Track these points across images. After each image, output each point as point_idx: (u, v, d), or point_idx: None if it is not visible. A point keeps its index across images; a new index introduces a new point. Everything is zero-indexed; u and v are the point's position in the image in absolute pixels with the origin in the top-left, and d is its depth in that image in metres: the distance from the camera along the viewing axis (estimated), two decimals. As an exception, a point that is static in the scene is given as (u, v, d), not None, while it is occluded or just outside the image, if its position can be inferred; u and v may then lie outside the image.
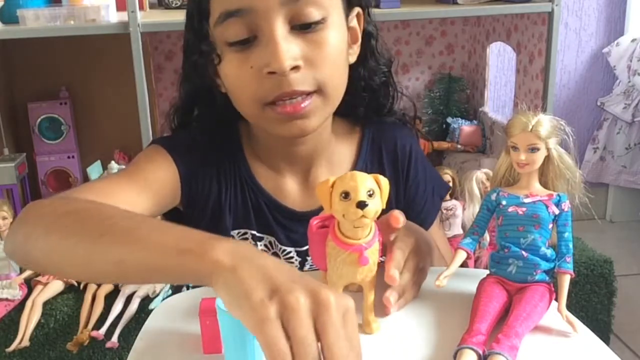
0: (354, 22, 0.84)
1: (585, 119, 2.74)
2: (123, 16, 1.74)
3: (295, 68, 0.74)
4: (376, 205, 0.60)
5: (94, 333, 1.59)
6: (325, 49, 0.76)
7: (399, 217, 0.67)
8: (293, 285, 0.48)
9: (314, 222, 0.68)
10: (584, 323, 0.66)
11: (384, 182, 0.61)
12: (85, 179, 2.20)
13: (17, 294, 1.65)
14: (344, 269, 0.63)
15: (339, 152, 0.93)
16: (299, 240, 0.90)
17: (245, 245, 0.54)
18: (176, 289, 1.01)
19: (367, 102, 0.92)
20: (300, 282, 0.49)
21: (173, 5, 2.07)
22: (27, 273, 1.70)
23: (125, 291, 1.64)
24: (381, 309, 0.68)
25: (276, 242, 0.90)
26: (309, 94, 0.77)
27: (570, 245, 0.66)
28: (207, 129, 0.91)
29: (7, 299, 1.64)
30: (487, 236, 0.72)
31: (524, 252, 0.66)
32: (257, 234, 0.90)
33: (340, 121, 0.93)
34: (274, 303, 0.47)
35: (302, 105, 0.76)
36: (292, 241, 0.90)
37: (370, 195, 0.59)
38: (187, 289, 1.06)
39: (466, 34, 2.63)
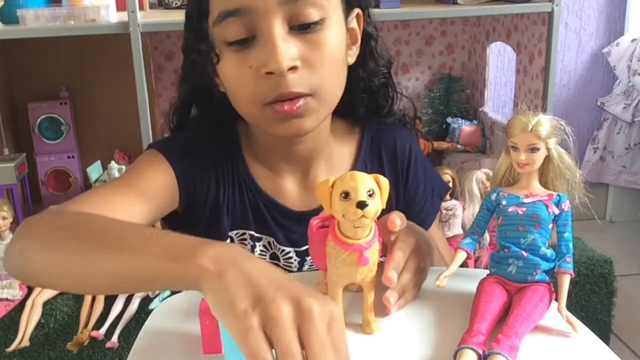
0: (353, 23, 0.83)
1: (585, 119, 2.74)
2: (123, 16, 1.74)
3: (293, 68, 0.74)
4: (376, 205, 0.60)
5: (94, 333, 1.59)
6: (324, 50, 0.76)
7: (395, 221, 0.67)
8: (276, 294, 0.48)
9: (314, 222, 0.68)
10: (584, 323, 0.66)
11: (384, 182, 0.61)
12: (85, 179, 2.20)
13: (17, 294, 1.65)
14: (344, 269, 0.63)
15: (338, 152, 0.93)
16: (297, 240, 0.90)
17: (232, 249, 0.54)
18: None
19: (366, 103, 0.92)
20: (285, 289, 0.48)
21: (173, 5, 2.07)
22: (27, 273, 1.69)
23: (125, 291, 1.64)
24: (381, 309, 0.68)
25: (275, 243, 0.90)
26: (305, 96, 0.77)
27: (570, 245, 0.66)
28: (205, 129, 0.91)
29: (7, 299, 1.64)
30: (487, 236, 0.72)
31: (524, 252, 0.66)
32: (256, 235, 0.90)
33: (340, 121, 0.93)
34: (256, 313, 0.47)
35: (297, 105, 0.76)
36: (291, 241, 0.90)
37: (370, 195, 0.59)
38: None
39: (466, 34, 2.63)
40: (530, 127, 0.65)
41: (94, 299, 1.65)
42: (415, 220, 0.81)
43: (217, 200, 0.88)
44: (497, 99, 2.65)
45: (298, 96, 0.76)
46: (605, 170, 2.71)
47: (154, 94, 2.25)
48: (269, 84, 0.75)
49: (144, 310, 1.63)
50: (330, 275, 0.64)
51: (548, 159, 0.67)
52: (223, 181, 0.89)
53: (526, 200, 0.67)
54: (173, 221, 0.91)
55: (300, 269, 0.91)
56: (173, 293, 0.93)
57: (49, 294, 1.66)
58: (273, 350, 0.47)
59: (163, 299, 0.75)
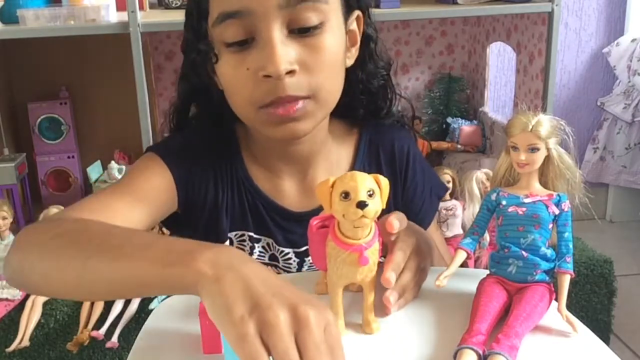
0: (353, 25, 0.83)
1: (585, 119, 2.74)
2: (123, 16, 1.75)
3: (291, 72, 0.74)
4: (376, 205, 0.60)
5: (94, 333, 1.59)
6: (322, 54, 0.76)
7: (393, 223, 0.67)
8: (273, 300, 0.48)
9: (314, 222, 0.68)
10: (584, 323, 0.66)
11: (384, 182, 0.61)
12: (85, 179, 2.20)
13: (17, 294, 1.65)
14: (344, 269, 0.63)
15: (337, 153, 0.93)
16: (297, 241, 0.90)
17: (230, 253, 0.54)
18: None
19: (365, 104, 0.92)
20: (282, 296, 0.49)
21: (173, 5, 2.07)
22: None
23: (125, 291, 1.64)
24: (381, 309, 0.68)
25: (274, 244, 0.90)
26: (302, 99, 0.77)
27: (570, 245, 0.66)
28: (204, 129, 0.91)
29: (7, 299, 1.64)
30: (487, 236, 0.72)
31: (524, 252, 0.66)
32: (255, 236, 0.90)
33: (338, 122, 0.93)
34: (253, 319, 0.47)
35: (295, 108, 0.76)
36: (290, 242, 0.90)
37: (370, 195, 0.59)
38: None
39: (466, 34, 2.63)
40: (530, 127, 0.65)
41: (94, 299, 1.65)
42: (414, 220, 0.81)
43: (216, 202, 0.88)
44: (497, 99, 2.65)
45: (295, 99, 0.76)
46: (605, 170, 2.71)
47: (154, 94, 2.26)
48: (266, 87, 0.75)
49: (144, 310, 1.63)
50: (330, 275, 0.64)
51: (548, 159, 0.67)
52: (222, 182, 0.89)
53: (526, 200, 0.67)
54: (172, 223, 0.90)
55: (299, 270, 0.91)
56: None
57: (49, 294, 1.66)
58: (270, 358, 0.47)
59: (163, 299, 0.75)
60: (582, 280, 1.84)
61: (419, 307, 0.70)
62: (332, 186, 0.61)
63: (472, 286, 0.69)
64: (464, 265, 0.69)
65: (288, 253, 0.91)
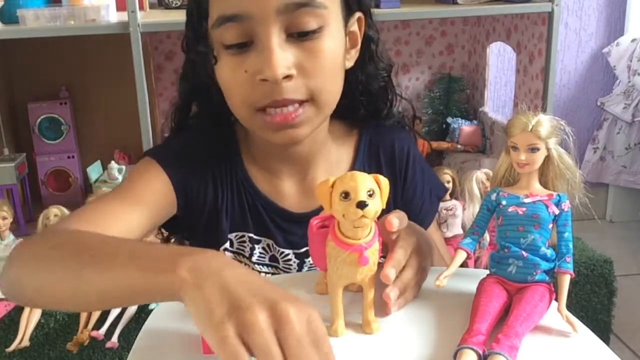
0: (354, 27, 0.83)
1: (585, 119, 2.74)
2: (123, 16, 1.75)
3: (288, 77, 0.74)
4: (376, 205, 0.60)
5: (94, 333, 1.59)
6: (321, 59, 0.76)
7: (392, 222, 0.67)
8: (252, 301, 0.48)
9: (314, 222, 0.68)
10: (584, 323, 0.66)
11: (384, 182, 0.61)
12: (85, 179, 2.21)
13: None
14: (344, 269, 0.63)
15: (337, 154, 0.93)
16: (297, 242, 0.90)
17: (211, 258, 0.54)
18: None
19: (365, 106, 0.92)
20: (261, 295, 0.49)
21: (173, 5, 2.07)
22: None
23: (125, 291, 1.64)
24: (381, 309, 0.68)
25: (274, 245, 0.90)
26: (300, 102, 0.77)
27: (570, 245, 0.66)
28: (204, 129, 0.91)
29: (7, 299, 1.64)
30: (487, 236, 0.72)
31: (524, 252, 0.66)
32: (255, 237, 0.90)
33: (338, 123, 0.93)
34: (232, 321, 0.47)
35: (293, 115, 0.77)
36: (290, 243, 0.90)
37: (370, 195, 0.59)
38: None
39: (466, 34, 2.63)
40: (530, 127, 0.65)
41: (94, 299, 1.64)
42: (414, 221, 0.81)
43: (216, 204, 0.88)
44: (497, 99, 2.65)
45: (292, 102, 0.76)
46: (605, 170, 2.71)
47: (154, 94, 2.26)
48: (263, 90, 0.75)
49: (144, 310, 1.63)
50: (330, 275, 0.64)
51: (548, 159, 0.67)
52: (221, 184, 0.89)
53: (526, 200, 0.67)
54: (172, 226, 0.91)
55: (299, 271, 0.91)
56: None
57: (49, 294, 1.66)
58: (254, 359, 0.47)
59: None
60: (582, 280, 1.84)
61: (419, 307, 0.70)
62: (332, 186, 0.61)
63: (472, 286, 0.69)
64: (464, 265, 0.69)
65: (288, 254, 0.91)
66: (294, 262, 0.91)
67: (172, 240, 0.98)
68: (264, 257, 0.91)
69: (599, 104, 2.65)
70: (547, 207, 0.66)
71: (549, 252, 0.66)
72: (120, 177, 2.13)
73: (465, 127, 2.43)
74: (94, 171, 2.18)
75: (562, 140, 0.68)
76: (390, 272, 0.66)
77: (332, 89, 0.80)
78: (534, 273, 0.66)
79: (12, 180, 1.96)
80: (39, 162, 2.23)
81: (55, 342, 1.63)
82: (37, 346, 1.63)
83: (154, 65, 2.38)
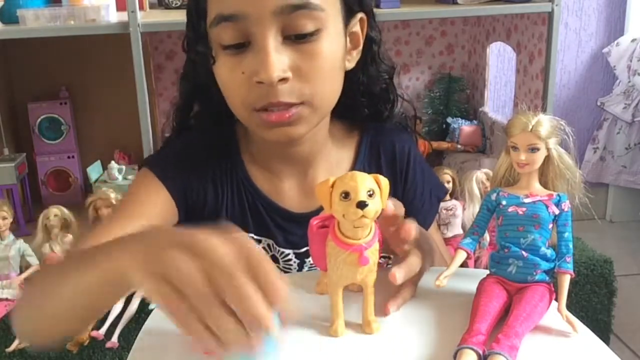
0: (356, 28, 0.83)
1: (585, 119, 2.74)
2: (123, 16, 1.75)
3: (284, 80, 0.74)
4: (376, 205, 0.60)
5: (94, 333, 1.59)
6: (317, 61, 0.76)
7: (410, 231, 0.66)
8: (167, 251, 0.48)
9: (314, 222, 0.68)
10: (584, 323, 0.66)
11: (384, 181, 0.61)
12: (85, 179, 2.20)
13: (17, 294, 1.65)
14: (344, 269, 0.63)
15: (337, 154, 0.93)
16: (297, 242, 0.90)
17: (139, 234, 0.54)
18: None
19: (366, 107, 0.91)
20: (176, 242, 0.48)
21: (173, 5, 2.07)
22: (27, 273, 1.70)
23: (125, 291, 1.64)
24: (381, 309, 0.68)
25: (274, 245, 0.90)
26: (294, 105, 0.77)
27: (570, 245, 0.66)
28: (204, 129, 0.91)
29: (7, 299, 1.64)
30: (487, 236, 0.72)
31: (524, 252, 0.66)
32: (255, 237, 0.90)
33: (339, 123, 0.93)
34: (156, 277, 0.47)
35: (287, 115, 0.76)
36: (291, 243, 0.90)
37: (370, 195, 0.59)
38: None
39: (466, 34, 2.63)
40: (530, 127, 0.65)
41: (94, 299, 1.64)
42: None
43: (216, 204, 0.89)
44: (497, 99, 2.65)
45: (287, 105, 0.76)
46: (605, 170, 2.71)
47: (154, 94, 2.25)
48: (260, 92, 0.75)
49: (144, 310, 1.63)
50: (330, 275, 0.64)
51: (548, 159, 0.67)
52: (221, 185, 0.89)
53: (526, 200, 0.67)
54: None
55: (299, 271, 0.91)
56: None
57: (49, 294, 1.66)
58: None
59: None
60: (582, 280, 1.83)
61: (419, 307, 0.70)
62: (332, 186, 0.61)
63: (472, 286, 0.69)
64: (464, 265, 0.69)
65: (288, 254, 0.91)
66: (294, 262, 0.91)
67: None
68: (265, 258, 0.91)
69: (599, 104, 2.65)
70: (547, 207, 0.66)
71: (549, 252, 0.66)
72: (120, 177, 2.13)
73: (465, 127, 2.43)
74: (94, 171, 2.18)
75: (562, 140, 0.68)
76: (399, 274, 0.65)
77: (328, 92, 0.80)
78: (534, 273, 0.66)
79: (12, 180, 1.96)
80: (39, 162, 2.23)
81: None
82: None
83: (154, 65, 2.38)
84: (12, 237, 1.71)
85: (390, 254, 0.77)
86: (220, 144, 0.90)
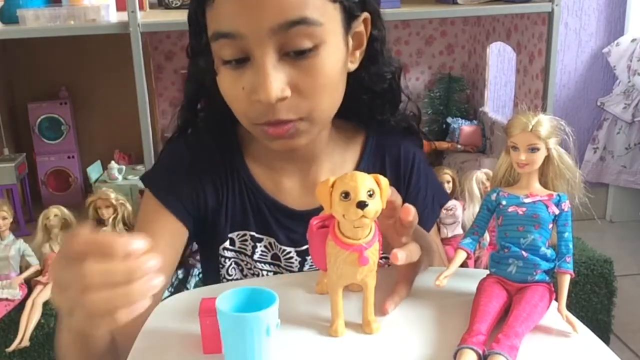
0: (360, 28, 0.82)
1: (585, 119, 2.74)
2: (123, 16, 1.74)
3: (282, 99, 0.74)
4: (376, 205, 0.60)
5: (94, 333, 1.59)
6: (317, 78, 0.76)
7: (410, 209, 0.67)
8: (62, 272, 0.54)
9: (314, 222, 0.68)
10: (584, 323, 0.66)
11: (384, 182, 0.61)
12: (85, 179, 2.20)
13: (17, 294, 1.65)
14: (344, 269, 0.63)
15: (341, 153, 0.93)
16: (298, 240, 0.90)
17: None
18: (176, 289, 1.01)
19: (367, 105, 0.91)
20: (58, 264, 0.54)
21: (173, 5, 2.07)
22: (27, 273, 1.70)
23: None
24: (381, 309, 0.68)
25: (276, 243, 0.91)
26: (293, 121, 0.77)
27: (570, 245, 0.66)
28: (205, 129, 0.91)
29: (7, 299, 1.64)
30: (487, 236, 0.72)
31: (524, 252, 0.66)
32: (257, 235, 0.90)
33: (344, 123, 0.93)
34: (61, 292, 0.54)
35: (285, 129, 0.77)
36: (292, 241, 0.90)
37: (370, 195, 0.59)
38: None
39: (466, 34, 2.63)
40: (530, 127, 0.65)
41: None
42: None
43: (217, 204, 0.89)
44: (497, 99, 2.65)
45: (286, 122, 0.77)
46: (605, 170, 2.71)
47: (154, 94, 2.25)
48: (259, 109, 0.76)
49: (144, 310, 1.63)
50: (330, 275, 0.64)
51: (548, 159, 0.67)
52: (220, 185, 0.89)
53: (526, 200, 0.67)
54: None
55: (301, 269, 0.92)
56: (174, 292, 0.93)
57: (48, 294, 1.66)
58: None
59: (163, 299, 0.75)
60: (582, 280, 1.84)
61: (419, 307, 0.70)
62: (332, 186, 0.61)
63: (472, 286, 0.69)
64: (464, 265, 0.69)
65: (290, 252, 0.91)
66: (296, 259, 0.91)
67: None
68: (266, 256, 0.91)
69: (599, 104, 2.66)
70: (547, 207, 0.66)
71: (549, 252, 0.66)
72: (120, 177, 2.13)
73: (465, 127, 2.43)
74: (94, 171, 2.18)
75: (562, 140, 0.68)
76: (401, 255, 0.66)
77: (327, 106, 0.80)
78: (534, 273, 0.66)
79: (12, 180, 1.96)
80: (39, 162, 2.23)
81: (55, 342, 1.63)
82: (37, 346, 1.62)
83: (154, 65, 2.38)
84: (12, 237, 1.71)
85: (388, 250, 0.77)
86: (221, 143, 0.90)
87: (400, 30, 2.58)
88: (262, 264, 0.91)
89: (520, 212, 0.66)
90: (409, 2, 1.95)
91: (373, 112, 0.92)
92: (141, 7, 1.87)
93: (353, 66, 0.83)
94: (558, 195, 0.67)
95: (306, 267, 0.92)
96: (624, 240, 2.64)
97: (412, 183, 0.94)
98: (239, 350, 0.58)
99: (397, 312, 0.69)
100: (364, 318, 0.66)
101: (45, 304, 1.64)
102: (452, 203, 1.78)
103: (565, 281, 0.65)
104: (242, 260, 0.92)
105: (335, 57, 0.78)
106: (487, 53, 2.49)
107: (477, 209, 0.72)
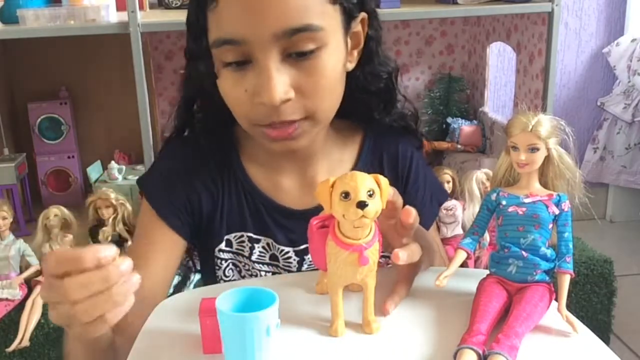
0: (357, 27, 0.82)
1: (585, 119, 2.74)
2: (123, 16, 1.74)
3: (286, 100, 0.75)
4: (376, 205, 0.60)
5: (94, 333, 1.59)
6: (319, 78, 0.76)
7: (410, 211, 0.67)
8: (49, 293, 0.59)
9: (314, 222, 0.68)
10: (584, 323, 0.66)
11: (384, 182, 0.61)
12: (85, 179, 2.20)
13: (17, 294, 1.65)
14: (344, 269, 0.63)
15: (339, 152, 0.93)
16: (296, 240, 0.90)
17: None
18: (176, 289, 1.01)
19: (364, 104, 0.91)
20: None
21: (173, 5, 2.07)
22: (27, 273, 1.70)
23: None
24: (381, 309, 0.68)
25: (274, 243, 0.91)
26: (297, 121, 0.77)
27: (570, 245, 0.66)
28: (202, 130, 0.91)
29: (7, 299, 1.64)
30: (487, 236, 0.72)
31: (524, 252, 0.66)
32: (254, 236, 0.90)
33: (343, 122, 0.93)
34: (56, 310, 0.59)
35: (289, 131, 0.77)
36: (290, 241, 0.90)
37: (370, 195, 0.60)
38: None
39: (466, 34, 2.63)
40: (530, 127, 0.66)
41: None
42: None
43: (213, 206, 0.90)
44: (497, 99, 2.65)
45: (290, 123, 0.77)
46: (605, 170, 2.71)
47: (154, 94, 2.25)
48: (262, 111, 0.76)
49: (144, 310, 1.63)
50: (330, 275, 0.64)
51: (548, 159, 0.67)
52: (216, 187, 0.90)
53: (526, 200, 0.67)
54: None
55: (299, 269, 0.92)
56: (174, 291, 0.93)
57: (49, 294, 1.66)
58: None
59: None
60: (582, 280, 1.84)
61: (418, 307, 0.70)
62: (332, 186, 0.61)
63: (472, 286, 0.69)
64: (464, 265, 0.69)
65: (288, 252, 0.91)
66: (294, 259, 0.91)
67: None
68: (264, 256, 0.91)
69: (599, 104, 2.66)
70: (547, 207, 0.66)
71: (549, 252, 0.66)
72: (120, 177, 2.13)
73: (465, 127, 2.43)
74: (94, 171, 2.18)
75: (562, 140, 0.68)
76: (402, 255, 0.66)
77: (330, 105, 0.81)
78: (534, 273, 0.66)
79: (12, 180, 1.96)
80: (39, 162, 2.23)
81: (55, 342, 1.63)
82: (37, 346, 1.62)
83: (154, 65, 2.38)
84: (12, 237, 1.71)
85: (389, 250, 0.77)
86: (217, 144, 0.90)
87: (400, 30, 2.58)
88: (260, 265, 0.91)
89: (520, 212, 0.66)
90: (409, 2, 1.95)
91: (370, 111, 0.92)
92: (141, 7, 1.87)
93: (351, 66, 0.83)
94: (558, 195, 0.67)
95: (304, 267, 0.92)
96: (624, 240, 2.64)
97: (410, 182, 0.94)
98: (239, 350, 0.58)
99: (397, 312, 0.69)
100: (364, 318, 0.66)
101: (45, 304, 1.64)
102: (452, 203, 1.78)
103: (565, 281, 0.65)
104: (240, 262, 0.92)
105: (336, 58, 0.78)
106: (487, 53, 2.49)
107: (477, 209, 0.72)
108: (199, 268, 1.00)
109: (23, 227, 1.95)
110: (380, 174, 0.62)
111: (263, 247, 0.91)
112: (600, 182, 2.72)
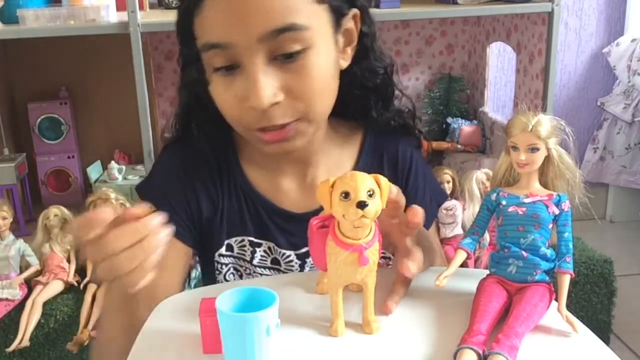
0: (349, 24, 0.82)
1: (585, 119, 2.74)
2: (123, 16, 1.75)
3: (275, 104, 0.74)
4: (376, 205, 0.60)
5: (94, 333, 1.59)
6: (308, 79, 0.76)
7: (417, 211, 0.67)
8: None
9: (314, 222, 0.68)
10: (584, 323, 0.66)
11: (384, 181, 0.61)
12: (85, 179, 2.20)
13: (17, 294, 1.65)
14: (344, 269, 0.63)
15: (338, 154, 0.92)
16: (297, 243, 0.90)
17: None
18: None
19: (360, 101, 0.91)
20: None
21: (173, 5, 2.07)
22: (27, 273, 1.70)
23: (125, 291, 1.64)
24: (381, 309, 0.68)
25: (275, 247, 0.90)
26: (289, 123, 0.77)
27: (570, 245, 0.66)
28: (202, 134, 0.91)
29: (7, 299, 1.64)
30: (487, 236, 0.72)
31: (524, 252, 0.66)
32: (255, 240, 0.90)
33: (341, 122, 0.92)
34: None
35: (282, 134, 0.77)
36: (292, 244, 0.90)
37: (370, 195, 0.60)
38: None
39: (466, 34, 2.63)
40: (530, 127, 0.65)
41: (94, 299, 1.65)
42: None
43: (213, 213, 0.89)
44: (497, 99, 2.65)
45: (281, 126, 0.77)
46: (605, 170, 2.71)
47: (154, 94, 2.25)
48: (253, 116, 0.76)
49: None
50: (330, 275, 0.64)
51: (548, 159, 0.67)
52: (217, 193, 0.89)
53: (526, 200, 0.67)
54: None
55: (300, 272, 0.91)
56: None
57: (48, 293, 1.66)
58: None
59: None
60: (582, 280, 1.84)
61: (419, 307, 0.70)
62: (332, 186, 0.61)
63: (472, 286, 0.69)
64: (464, 265, 0.69)
65: (289, 255, 0.90)
66: (296, 263, 0.91)
67: None
68: (266, 260, 0.91)
69: (599, 104, 2.66)
70: (547, 207, 0.66)
71: (549, 252, 0.66)
72: (120, 177, 2.13)
73: (465, 127, 2.43)
74: (94, 171, 2.18)
75: (562, 140, 0.68)
76: (412, 267, 0.67)
77: (322, 105, 0.80)
78: (534, 273, 0.66)
79: (12, 180, 1.96)
80: (39, 162, 2.23)
81: (55, 342, 1.63)
82: (37, 346, 1.63)
83: (154, 65, 2.38)
84: (12, 237, 1.71)
85: (390, 249, 0.77)
86: (216, 149, 0.90)
87: (400, 30, 2.58)
88: (262, 269, 0.91)
89: (520, 212, 0.66)
90: (409, 2, 1.95)
91: (367, 108, 0.92)
92: (141, 7, 1.87)
93: (345, 63, 0.83)
94: (558, 195, 0.67)
95: (306, 269, 0.91)
96: (624, 240, 2.64)
97: (410, 182, 0.94)
98: (239, 350, 0.58)
99: (397, 312, 0.69)
100: (364, 318, 0.66)
101: (45, 304, 1.64)
102: (451, 203, 1.78)
103: (565, 281, 0.65)
104: (242, 266, 0.91)
105: (325, 57, 0.78)
106: (487, 53, 2.49)
107: (477, 209, 0.72)
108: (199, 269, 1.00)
109: (23, 227, 1.95)
110: (380, 174, 0.62)
111: (264, 251, 0.91)
112: (600, 182, 2.72)
